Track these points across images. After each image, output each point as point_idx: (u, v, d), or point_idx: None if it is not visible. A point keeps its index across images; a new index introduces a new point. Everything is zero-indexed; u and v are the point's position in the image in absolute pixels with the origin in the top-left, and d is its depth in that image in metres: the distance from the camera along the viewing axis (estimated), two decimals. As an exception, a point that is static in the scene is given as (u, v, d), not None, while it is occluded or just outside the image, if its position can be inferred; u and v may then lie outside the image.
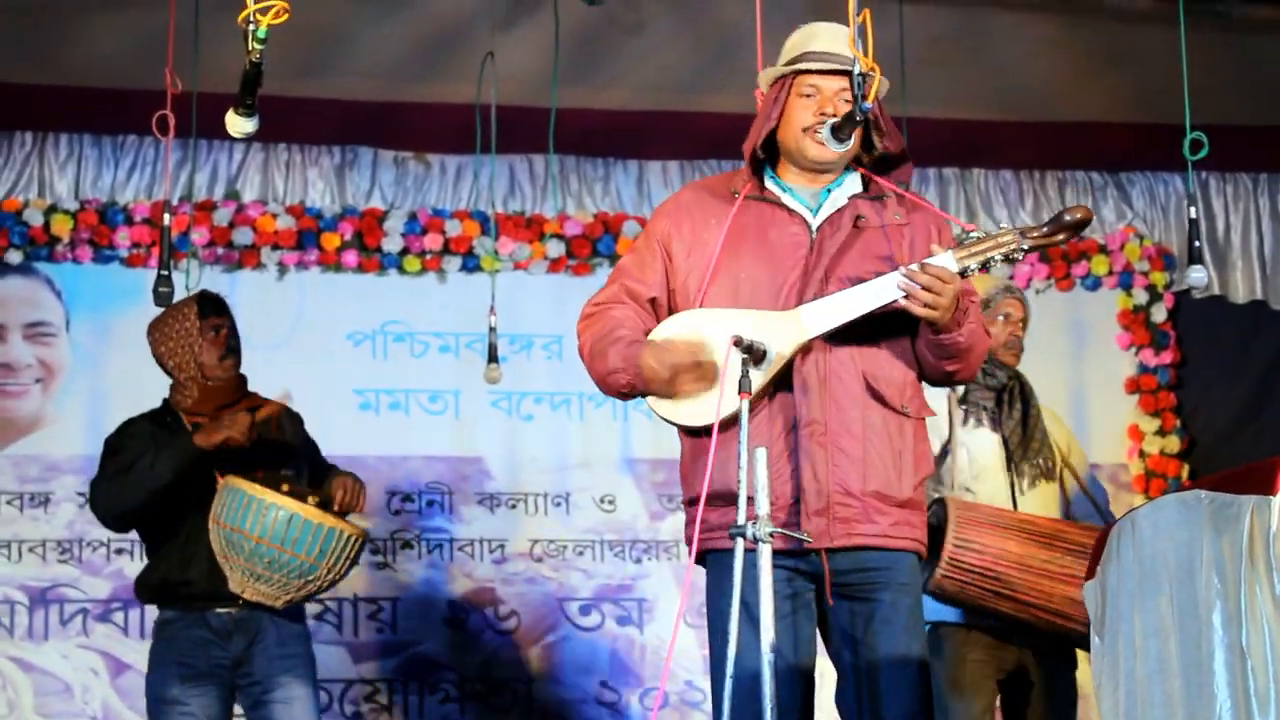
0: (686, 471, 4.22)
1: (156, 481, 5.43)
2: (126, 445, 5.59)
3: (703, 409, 4.05)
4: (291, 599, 5.35)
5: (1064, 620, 5.17)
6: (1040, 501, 5.50)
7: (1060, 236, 4.11)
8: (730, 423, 3.97)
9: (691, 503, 4.13)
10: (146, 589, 5.61)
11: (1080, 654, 5.42)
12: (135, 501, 5.48)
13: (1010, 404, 5.58)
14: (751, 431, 3.98)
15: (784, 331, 4.06)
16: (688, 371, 4.05)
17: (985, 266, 4.08)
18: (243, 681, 5.50)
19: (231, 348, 5.66)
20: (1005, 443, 5.52)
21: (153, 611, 5.65)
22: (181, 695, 5.45)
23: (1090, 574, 3.99)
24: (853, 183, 4.29)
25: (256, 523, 5.16)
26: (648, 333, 4.20)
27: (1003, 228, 4.13)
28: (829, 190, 4.26)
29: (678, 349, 4.06)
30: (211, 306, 5.67)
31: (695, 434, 4.13)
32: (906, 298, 4.02)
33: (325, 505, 5.46)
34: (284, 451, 5.66)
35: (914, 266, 4.01)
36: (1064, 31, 7.08)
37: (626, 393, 4.22)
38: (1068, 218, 4.10)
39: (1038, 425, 5.58)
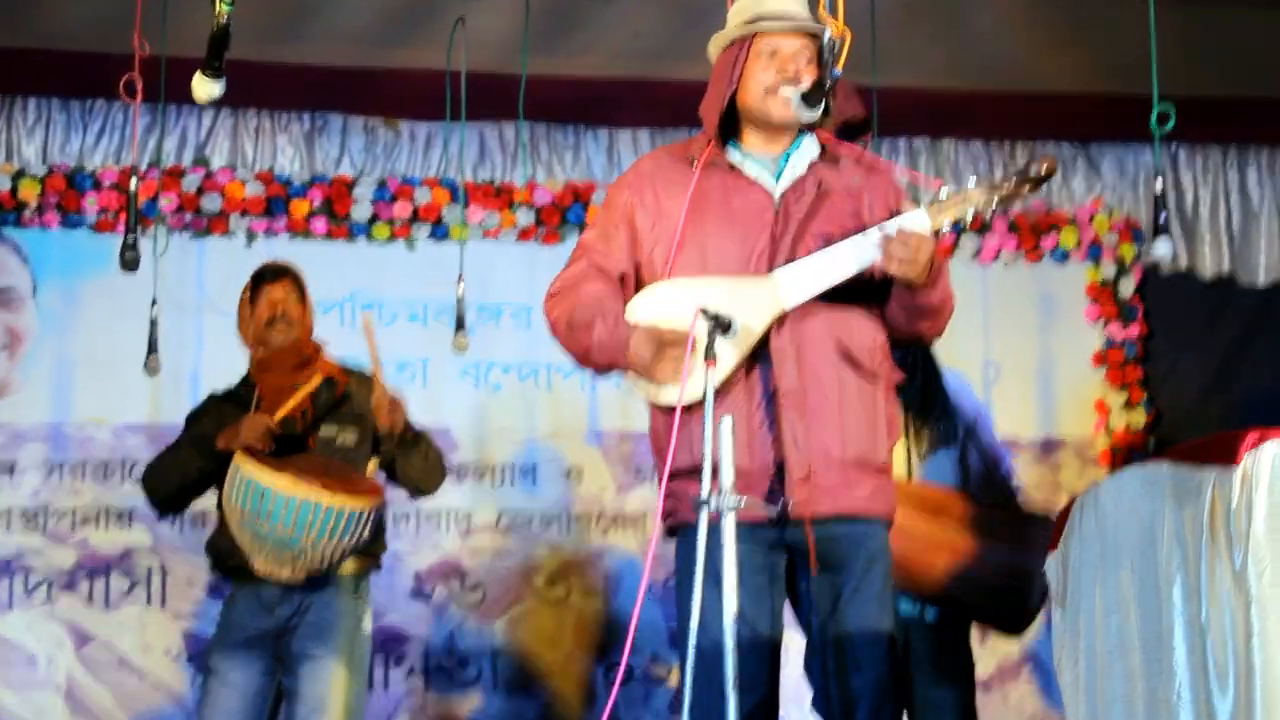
0: (660, 447, 4.21)
1: (186, 474, 5.59)
2: (189, 426, 5.72)
3: (684, 388, 4.02)
4: (294, 570, 5.33)
5: (949, 593, 5.16)
6: (940, 470, 5.48)
7: (1027, 188, 4.13)
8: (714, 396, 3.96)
9: (671, 477, 4.11)
10: (213, 561, 5.70)
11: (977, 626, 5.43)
12: (171, 488, 5.64)
13: (912, 371, 5.54)
14: (729, 403, 4.00)
15: (761, 300, 4.06)
16: (672, 352, 4.03)
17: (958, 224, 4.09)
18: (282, 651, 5.53)
19: (280, 315, 5.67)
20: (905, 408, 5.49)
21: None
22: (221, 665, 5.53)
23: (1053, 546, 4.01)
24: (810, 145, 4.29)
25: (240, 496, 5.20)
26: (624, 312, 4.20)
27: (970, 182, 4.13)
28: (787, 155, 4.25)
29: (664, 334, 4.04)
30: (264, 275, 5.74)
31: (671, 410, 4.10)
32: (883, 259, 4.01)
33: (392, 473, 5.65)
34: (342, 417, 5.67)
35: (889, 227, 4.01)
36: (1034, 2, 7.07)
37: (604, 369, 4.21)
38: (1033, 170, 4.12)
39: (939, 392, 5.55)
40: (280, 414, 5.50)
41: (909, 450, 5.46)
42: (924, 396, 5.52)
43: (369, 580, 5.75)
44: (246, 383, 5.73)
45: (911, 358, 5.51)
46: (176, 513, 5.86)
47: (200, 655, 5.63)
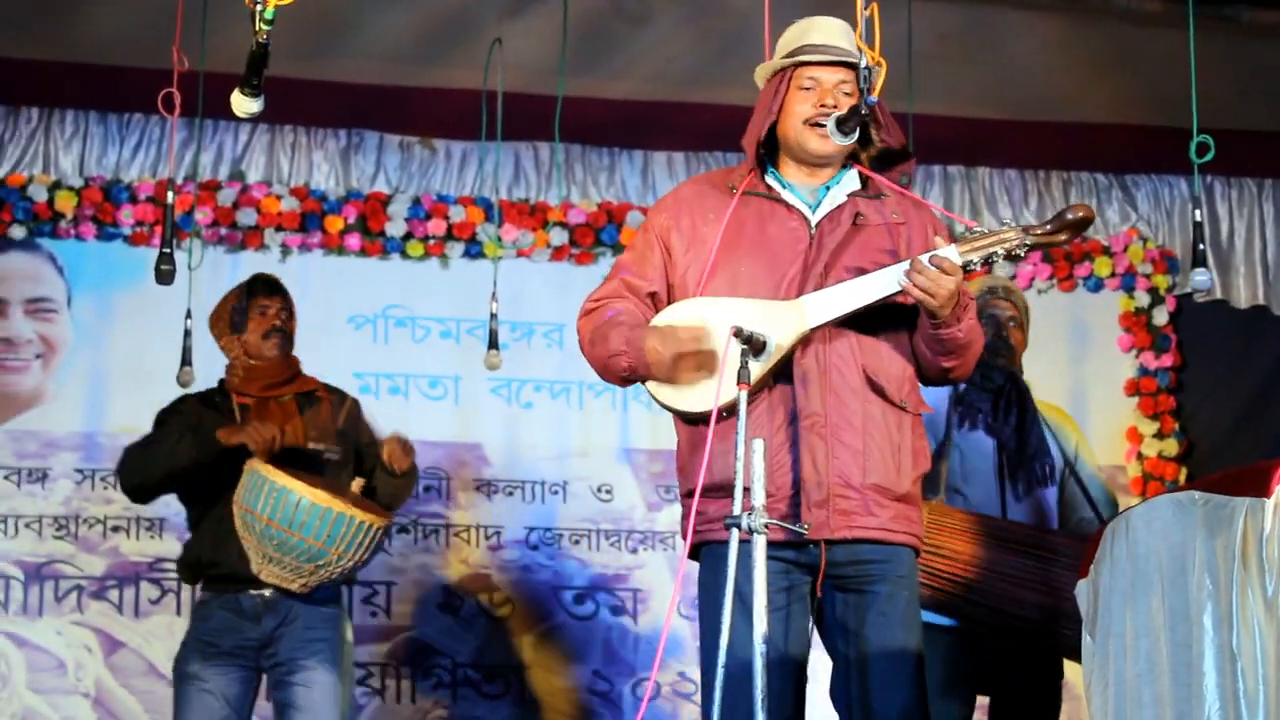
0: (684, 463, 4.21)
1: (174, 463, 5.55)
2: (168, 420, 5.72)
3: (702, 397, 4.04)
4: (306, 582, 5.37)
5: (1039, 627, 5.13)
6: (1034, 507, 5.46)
7: (1063, 236, 4.11)
8: (729, 413, 3.97)
9: (689, 494, 4.11)
10: (185, 568, 5.75)
11: (1069, 662, 5.39)
12: (152, 477, 5.62)
13: (1007, 408, 5.52)
14: (751, 423, 3.99)
15: (786, 321, 4.06)
16: (690, 356, 4.04)
17: (988, 262, 4.08)
18: (267, 663, 5.57)
19: (276, 328, 5.73)
20: (1000, 447, 5.48)
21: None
22: (201, 672, 5.54)
23: (1083, 573, 4.00)
24: (850, 180, 4.29)
25: (267, 505, 5.21)
26: (648, 323, 4.22)
27: (1005, 224, 4.14)
28: (827, 187, 4.27)
29: (681, 334, 4.06)
30: (262, 287, 5.79)
31: (694, 423, 4.12)
32: (907, 286, 4.02)
33: (369, 493, 5.60)
34: (327, 434, 5.73)
35: (920, 258, 4.02)
36: (1072, 31, 7.07)
37: (627, 376, 4.22)
38: (1070, 216, 4.09)
39: (1033, 431, 5.53)
40: (252, 444, 5.50)
41: (1002, 488, 5.43)
42: (1019, 435, 5.48)
43: (344, 590, 5.80)
44: (222, 390, 5.76)
45: (1006, 397, 5.49)
46: (147, 501, 5.84)
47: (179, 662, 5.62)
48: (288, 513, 5.20)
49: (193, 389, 5.92)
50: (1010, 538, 5.17)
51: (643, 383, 4.20)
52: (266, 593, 5.50)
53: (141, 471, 5.63)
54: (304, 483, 5.25)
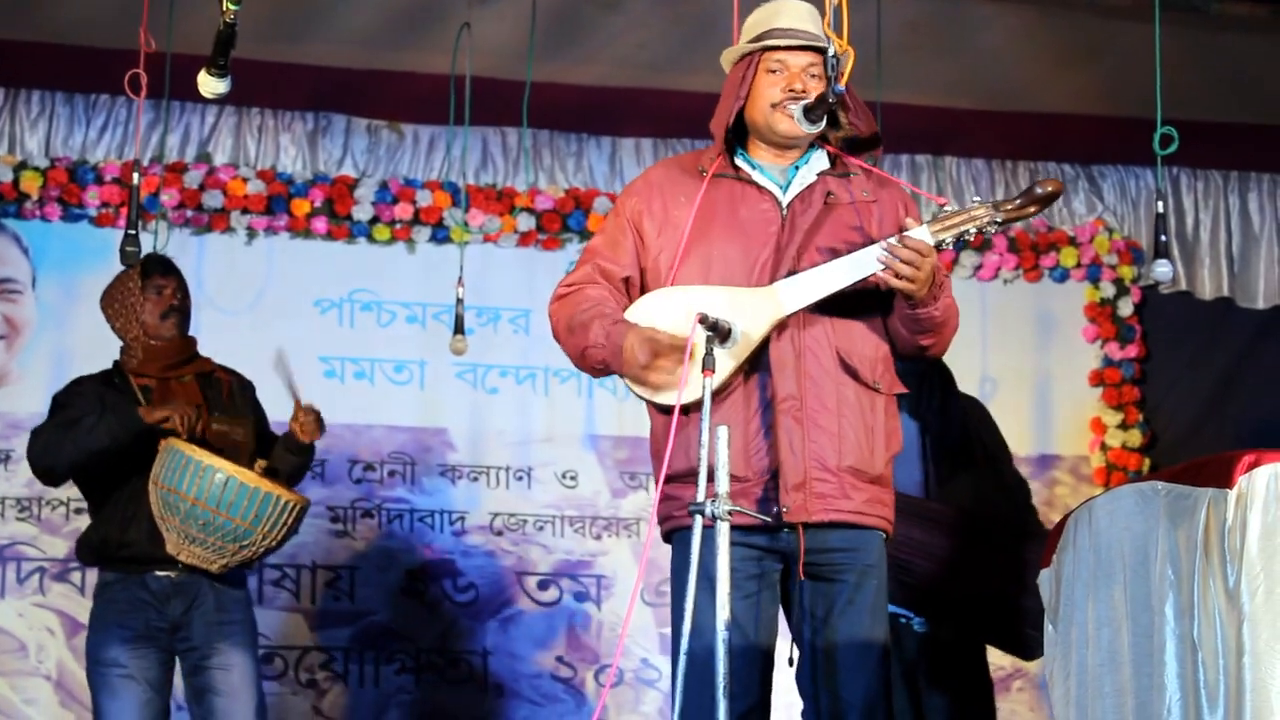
0: (659, 449, 4.21)
1: (94, 444, 5.49)
2: (72, 403, 5.64)
3: (673, 390, 4.02)
4: (227, 563, 5.37)
5: (969, 609, 5.17)
6: (957, 490, 5.49)
7: (1031, 209, 4.14)
8: (711, 401, 3.97)
9: (669, 480, 4.11)
10: (88, 549, 5.66)
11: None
12: (68, 459, 5.55)
13: (929, 392, 5.55)
14: (728, 409, 4.02)
15: (760, 309, 4.07)
16: (666, 359, 4.04)
17: (960, 240, 4.10)
18: (181, 646, 5.54)
19: (174, 308, 5.69)
20: (923, 431, 5.51)
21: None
22: (120, 657, 5.49)
23: (1046, 562, 4.01)
24: (819, 160, 4.30)
25: (193, 484, 5.19)
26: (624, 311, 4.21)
27: (975, 200, 4.15)
28: (797, 167, 4.27)
29: (661, 338, 4.04)
30: (156, 266, 5.72)
31: (669, 413, 4.10)
32: (885, 271, 4.03)
33: (272, 473, 5.55)
34: (230, 415, 5.70)
35: (892, 240, 4.02)
36: (1040, 22, 7.09)
37: (600, 369, 4.22)
38: (1039, 190, 4.12)
39: (956, 414, 5.56)
40: (176, 421, 5.46)
41: (926, 471, 5.47)
42: (943, 420, 5.52)
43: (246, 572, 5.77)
44: (120, 372, 5.71)
45: (929, 381, 5.53)
46: (59, 484, 5.77)
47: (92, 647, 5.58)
48: (215, 492, 5.19)
49: (84, 371, 5.88)
50: (939, 519, 5.21)
51: (617, 375, 4.21)
52: (174, 574, 5.47)
53: (57, 453, 5.55)
54: (227, 461, 5.24)
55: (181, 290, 5.75)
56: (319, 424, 5.71)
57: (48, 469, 5.63)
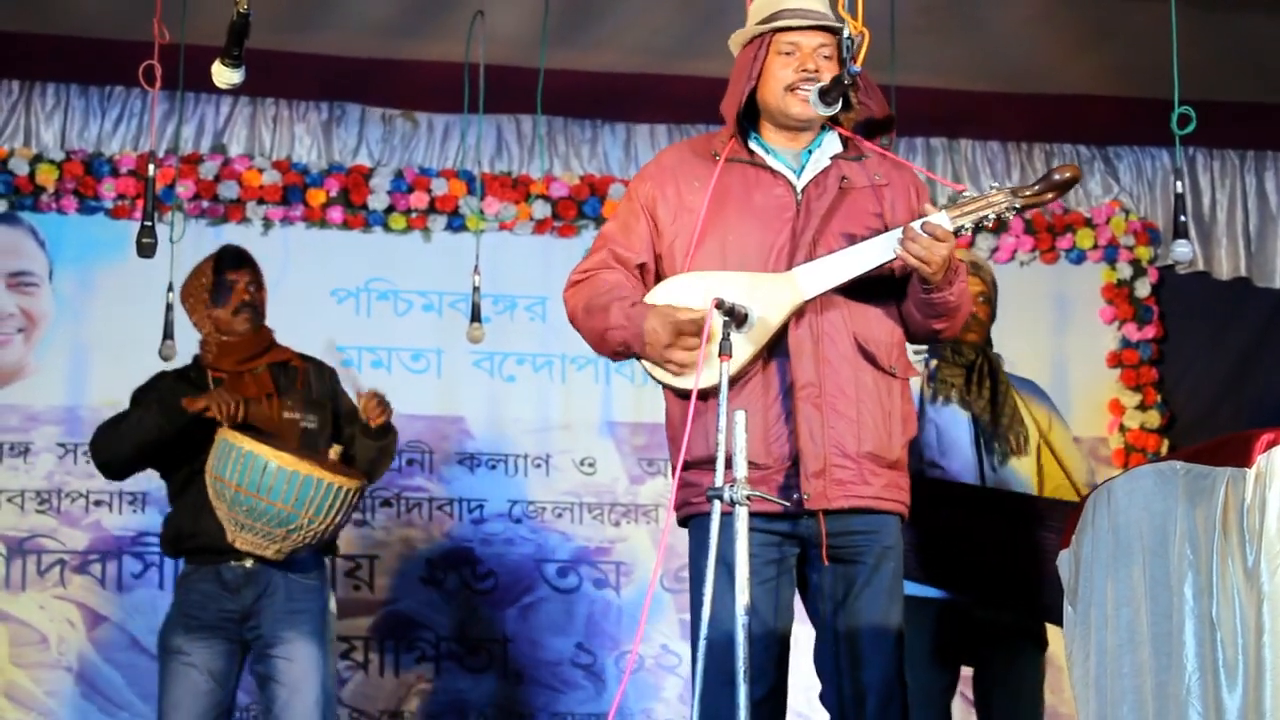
0: (676, 434, 4.21)
1: (142, 436, 5.57)
2: (143, 398, 5.72)
3: (704, 373, 4.01)
4: (280, 548, 5.38)
5: (1022, 594, 5.15)
6: (1014, 478, 5.50)
7: (1049, 195, 4.15)
8: (731, 388, 3.96)
9: (686, 467, 4.12)
10: (165, 541, 5.77)
11: (1053, 630, 5.41)
12: (122, 452, 5.63)
13: (979, 382, 5.57)
14: (747, 395, 4.04)
15: (779, 295, 4.07)
16: (689, 337, 4.04)
17: (979, 225, 4.11)
18: (250, 635, 5.58)
19: (246, 303, 5.73)
20: (975, 420, 5.52)
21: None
22: (185, 645, 5.54)
23: (1065, 543, 4.01)
24: (832, 142, 4.30)
25: (235, 471, 5.23)
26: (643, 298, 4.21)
27: (994, 187, 4.15)
28: (810, 151, 4.27)
29: (681, 316, 4.05)
30: (229, 261, 5.77)
31: (688, 398, 4.08)
32: (903, 254, 4.03)
33: (348, 459, 5.65)
34: (303, 402, 5.73)
35: (913, 225, 4.03)
36: (1055, 3, 7.07)
37: (620, 352, 4.22)
38: (1057, 177, 4.13)
39: (1006, 402, 5.57)
40: (214, 411, 5.51)
41: (980, 460, 5.48)
42: (993, 409, 5.53)
43: (327, 561, 5.81)
44: (198, 366, 5.76)
45: (979, 372, 5.54)
46: (121, 477, 5.87)
47: (162, 635, 5.63)
48: (255, 478, 5.22)
49: (170, 366, 5.92)
50: (995, 506, 5.21)
51: (635, 358, 4.20)
52: (248, 563, 5.51)
53: (110, 447, 5.65)
54: (274, 448, 5.26)
55: (254, 283, 5.79)
56: (382, 405, 5.73)
57: (103, 463, 5.74)
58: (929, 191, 4.38)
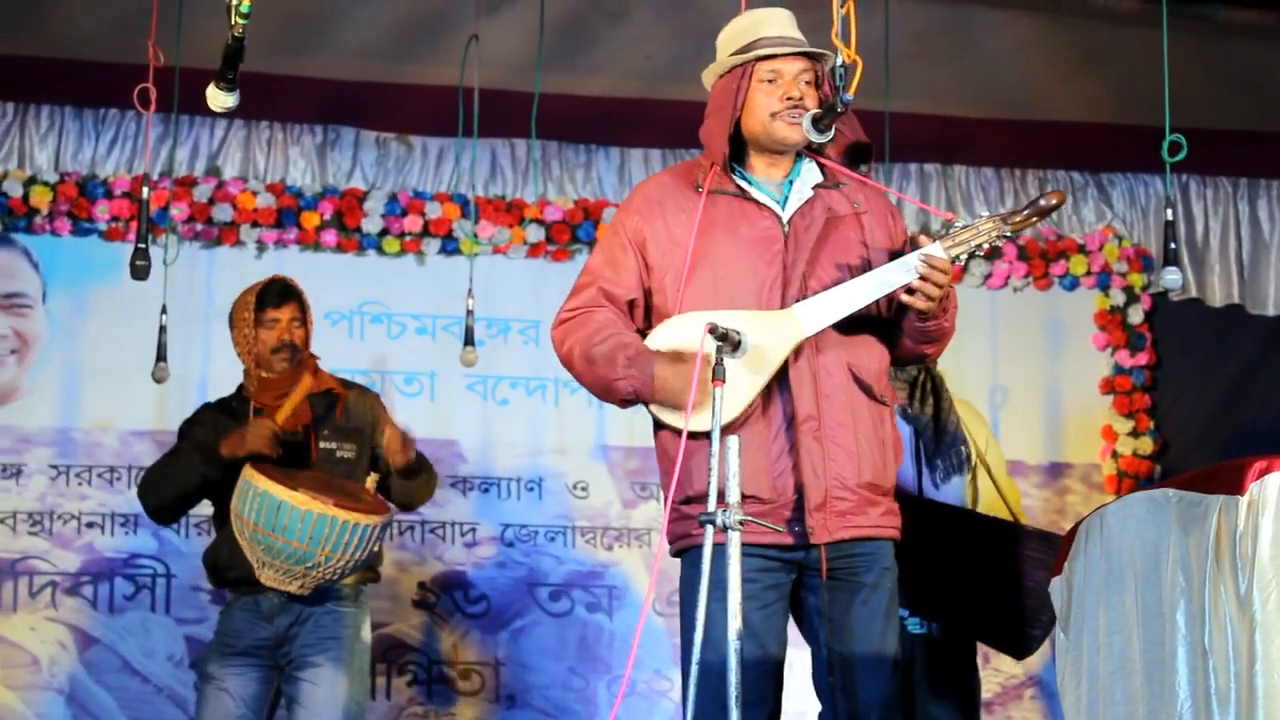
0: (672, 468, 4.15)
1: (185, 485, 5.61)
2: (190, 433, 5.72)
3: (705, 417, 3.94)
4: (303, 584, 5.35)
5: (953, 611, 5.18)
6: (953, 495, 5.51)
7: (1035, 220, 4.20)
8: (733, 425, 4.00)
9: (687, 501, 4.13)
10: (209, 571, 5.74)
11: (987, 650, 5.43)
12: (169, 499, 5.67)
13: (923, 397, 5.58)
14: (749, 430, 4.05)
15: (780, 331, 4.08)
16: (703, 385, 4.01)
17: (972, 255, 4.14)
18: (282, 660, 5.58)
19: (285, 344, 5.66)
20: (917, 435, 5.54)
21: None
22: (218, 671, 5.56)
23: (1057, 570, 4.01)
24: (811, 172, 4.31)
25: (253, 510, 5.23)
26: (640, 335, 4.21)
27: (981, 215, 4.18)
28: (790, 181, 4.27)
29: (689, 359, 3.98)
30: (271, 298, 5.69)
31: (695, 437, 4.05)
32: (908, 291, 4.05)
33: (384, 489, 5.68)
34: (340, 431, 5.71)
35: (919, 258, 4.03)
36: (1048, 31, 7.09)
37: (629, 400, 4.20)
38: (1043, 202, 4.18)
39: (949, 418, 5.59)
40: (281, 416, 5.52)
41: (920, 475, 5.49)
42: (936, 425, 5.55)
43: (368, 590, 5.77)
44: (240, 396, 5.75)
45: (921, 388, 5.55)
46: (171, 521, 5.89)
47: (200, 661, 5.65)
48: (270, 517, 5.21)
49: (213, 397, 5.91)
50: (954, 526, 5.22)
51: (645, 405, 4.19)
52: (285, 595, 5.50)
53: (159, 495, 5.67)
54: (294, 486, 5.25)
55: (296, 320, 5.70)
56: (405, 445, 5.68)
57: (154, 510, 5.76)
58: (902, 214, 4.40)
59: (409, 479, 5.77)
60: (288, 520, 5.20)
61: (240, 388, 5.78)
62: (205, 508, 5.78)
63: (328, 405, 5.72)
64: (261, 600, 5.54)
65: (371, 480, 5.60)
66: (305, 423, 5.63)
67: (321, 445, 5.65)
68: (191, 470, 5.56)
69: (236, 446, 5.47)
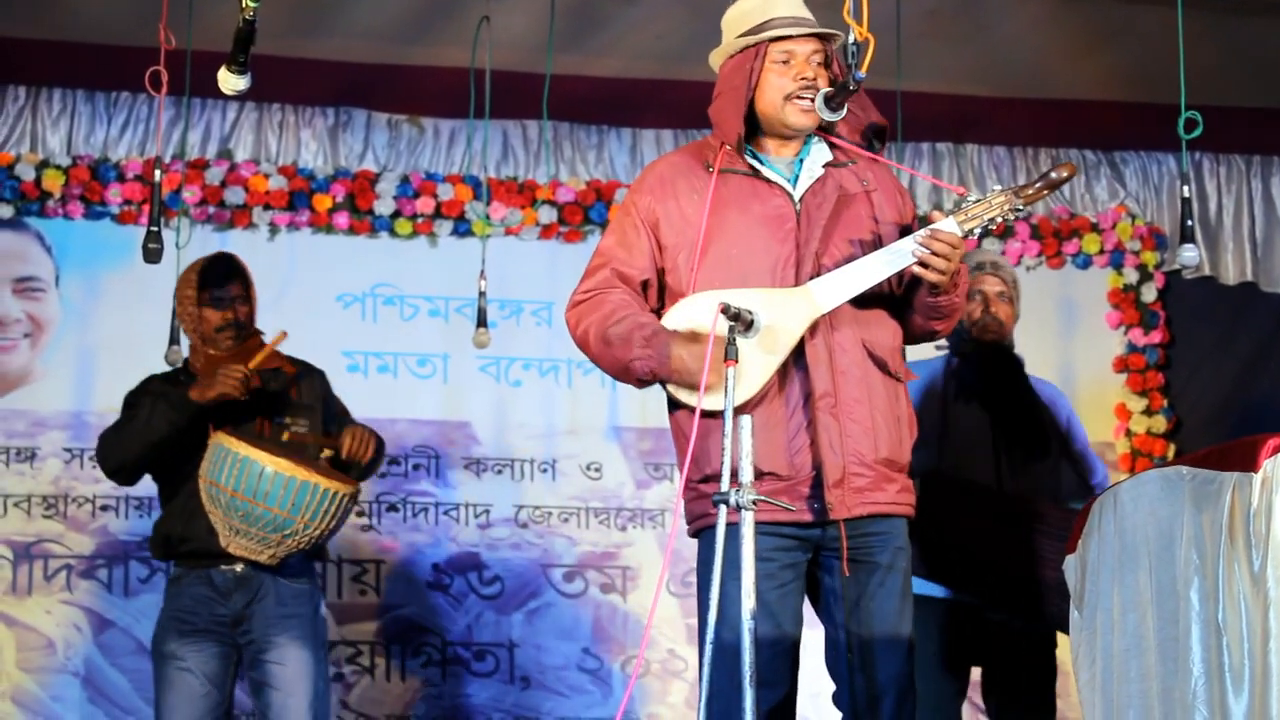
0: (686, 448, 4.18)
1: (152, 435, 5.52)
2: (139, 401, 5.66)
3: (719, 396, 3.94)
4: (275, 553, 5.36)
5: (1033, 600, 5.14)
6: (1030, 480, 5.48)
7: (1046, 192, 4.21)
8: (749, 404, 4.00)
9: (704, 480, 4.14)
10: (155, 545, 5.71)
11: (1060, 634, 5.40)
12: (131, 454, 5.58)
13: (1000, 381, 5.55)
14: (766, 408, 4.05)
15: (795, 309, 4.08)
16: (716, 363, 4.01)
17: (986, 229, 4.13)
18: (243, 640, 5.55)
19: (230, 322, 5.64)
20: (995, 420, 5.50)
21: (136, 569, 5.69)
22: (179, 650, 5.51)
23: (1071, 547, 4.01)
24: (821, 151, 4.30)
25: (231, 476, 5.20)
26: (657, 316, 4.21)
27: (994, 189, 4.17)
28: (800, 159, 4.27)
29: (705, 340, 3.98)
30: (214, 276, 5.66)
31: (709, 415, 4.05)
32: (920, 264, 4.04)
33: (338, 463, 5.58)
34: (293, 407, 5.70)
35: (925, 234, 4.04)
36: (1061, 8, 7.07)
37: (645, 380, 4.20)
38: (1054, 175, 4.17)
39: (1027, 402, 5.55)
40: (254, 364, 5.50)
41: (998, 461, 5.45)
42: (1014, 409, 5.50)
43: (317, 566, 5.79)
44: (188, 372, 5.71)
45: (999, 372, 5.52)
46: (132, 481, 5.77)
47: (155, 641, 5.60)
48: (251, 483, 5.20)
49: (158, 370, 5.90)
50: (1001, 509, 5.20)
51: (660, 384, 4.19)
52: (238, 568, 5.48)
53: (121, 451, 5.59)
54: (269, 452, 5.25)
55: (240, 298, 5.67)
56: (364, 443, 5.63)
57: (115, 469, 5.67)
58: (913, 192, 4.40)
59: (370, 468, 5.74)
60: (269, 486, 5.19)
61: (186, 363, 5.76)
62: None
63: (279, 382, 5.70)
64: (214, 575, 5.50)
65: (325, 454, 5.58)
66: (242, 365, 5.54)
67: (275, 420, 5.64)
68: (157, 419, 5.48)
69: (205, 389, 5.43)
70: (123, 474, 5.70)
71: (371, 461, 5.71)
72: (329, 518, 5.34)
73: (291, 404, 5.70)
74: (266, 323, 7.35)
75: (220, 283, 5.66)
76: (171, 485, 5.63)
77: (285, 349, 5.78)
